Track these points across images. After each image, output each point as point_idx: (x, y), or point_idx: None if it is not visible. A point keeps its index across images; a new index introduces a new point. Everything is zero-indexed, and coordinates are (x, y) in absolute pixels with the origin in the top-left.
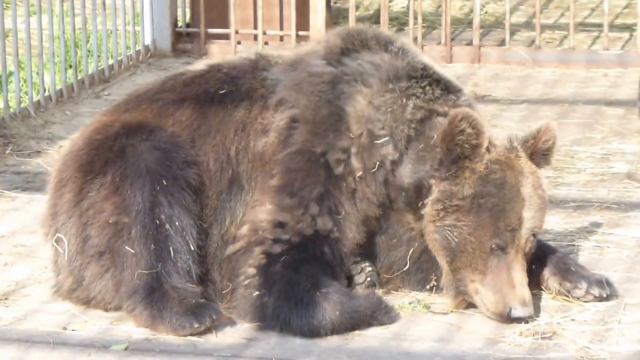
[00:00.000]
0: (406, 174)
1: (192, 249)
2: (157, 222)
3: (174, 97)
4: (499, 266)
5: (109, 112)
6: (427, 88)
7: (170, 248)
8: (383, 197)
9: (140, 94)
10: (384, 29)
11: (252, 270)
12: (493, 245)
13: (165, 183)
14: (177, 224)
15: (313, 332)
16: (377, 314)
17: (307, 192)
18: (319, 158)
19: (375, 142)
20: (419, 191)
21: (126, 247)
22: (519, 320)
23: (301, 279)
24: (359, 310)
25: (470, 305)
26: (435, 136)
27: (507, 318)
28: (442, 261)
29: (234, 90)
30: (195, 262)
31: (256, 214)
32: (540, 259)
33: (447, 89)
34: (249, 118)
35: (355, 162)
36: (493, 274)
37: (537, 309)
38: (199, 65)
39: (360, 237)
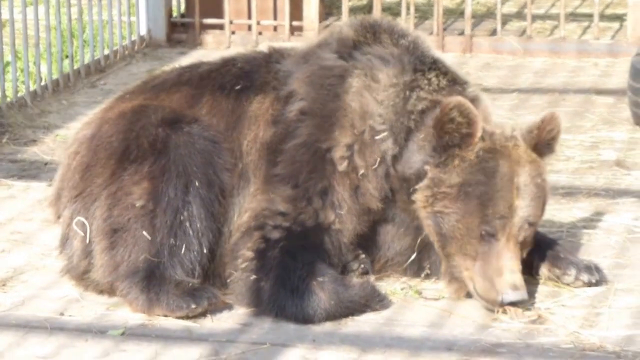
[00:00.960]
0: (408, 165)
1: (204, 251)
2: (181, 218)
3: (191, 91)
4: (489, 253)
5: (127, 99)
6: (433, 79)
7: (184, 245)
8: (385, 191)
9: (157, 84)
10: None
11: (250, 254)
12: (482, 232)
13: (198, 185)
14: (197, 225)
15: (307, 320)
16: (371, 303)
17: (311, 185)
18: (324, 153)
19: (376, 137)
20: (419, 180)
21: (143, 232)
22: (513, 304)
23: (298, 266)
24: (353, 300)
25: (470, 294)
26: None
27: (500, 304)
28: (436, 246)
29: (249, 86)
30: (201, 265)
31: (258, 202)
32: None
33: (454, 80)
34: (261, 110)
35: (358, 160)
36: (483, 261)
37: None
38: (214, 58)
39: (360, 227)
